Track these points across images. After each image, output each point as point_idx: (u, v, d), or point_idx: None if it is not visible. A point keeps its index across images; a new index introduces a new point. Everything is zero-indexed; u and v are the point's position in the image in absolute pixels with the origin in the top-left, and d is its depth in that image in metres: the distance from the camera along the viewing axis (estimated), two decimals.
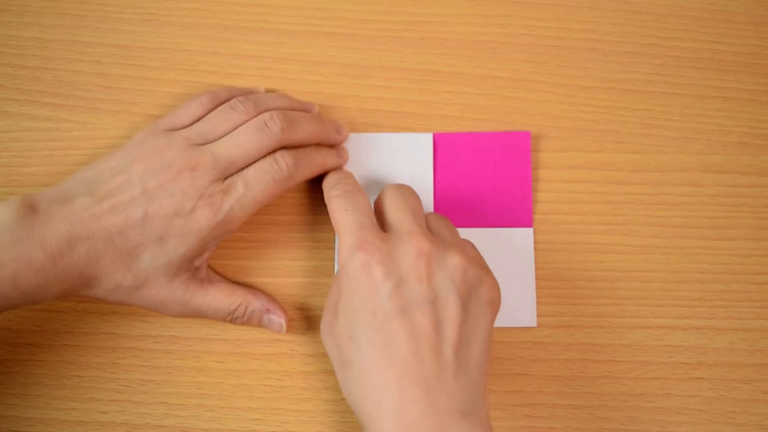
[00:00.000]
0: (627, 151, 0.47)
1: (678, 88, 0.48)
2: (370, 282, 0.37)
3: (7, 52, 0.48)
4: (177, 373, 0.44)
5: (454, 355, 0.35)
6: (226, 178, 0.41)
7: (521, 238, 0.46)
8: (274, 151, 0.42)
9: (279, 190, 0.42)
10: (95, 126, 0.47)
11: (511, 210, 0.46)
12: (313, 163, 0.43)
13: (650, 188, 0.47)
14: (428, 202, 0.46)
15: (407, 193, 0.41)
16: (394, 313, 0.36)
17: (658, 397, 0.44)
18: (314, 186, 0.46)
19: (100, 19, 0.49)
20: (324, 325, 0.39)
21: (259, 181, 0.41)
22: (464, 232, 0.46)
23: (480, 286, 0.37)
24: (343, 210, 0.40)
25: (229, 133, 0.42)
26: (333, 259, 0.46)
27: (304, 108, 0.46)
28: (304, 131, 0.43)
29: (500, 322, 0.45)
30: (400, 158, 0.47)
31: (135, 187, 0.39)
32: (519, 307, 0.45)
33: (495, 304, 0.38)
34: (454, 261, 0.37)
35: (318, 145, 0.45)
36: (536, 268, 0.46)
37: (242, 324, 0.43)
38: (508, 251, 0.46)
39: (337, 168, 0.45)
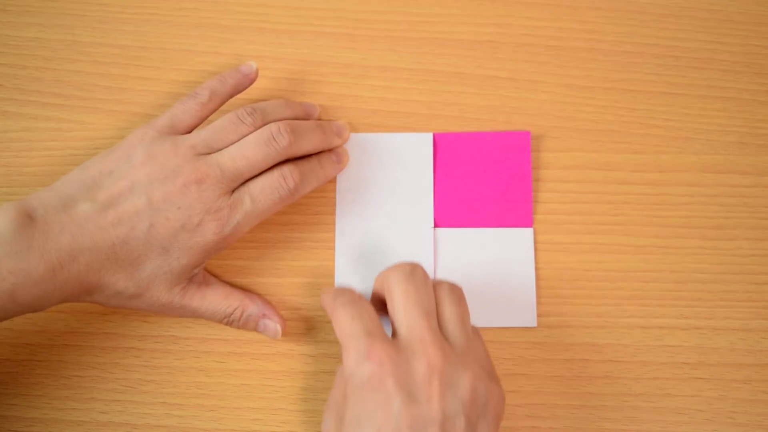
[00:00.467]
0: (627, 151, 0.47)
1: (678, 88, 0.48)
2: (380, 396, 0.35)
3: (7, 52, 0.48)
4: (177, 373, 0.44)
5: None
6: (233, 191, 0.41)
7: (521, 238, 0.46)
8: (279, 163, 0.42)
9: (283, 206, 0.42)
10: (95, 126, 0.47)
11: (511, 210, 0.46)
12: (316, 178, 0.44)
13: (650, 188, 0.47)
14: (428, 202, 0.46)
15: (420, 282, 0.38)
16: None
17: (658, 397, 0.44)
18: None
19: (100, 19, 0.49)
20: (328, 427, 0.37)
21: (266, 197, 0.41)
22: (464, 232, 0.46)
23: (488, 403, 0.36)
24: (350, 318, 0.38)
25: (235, 143, 0.41)
26: (333, 259, 0.46)
27: (307, 111, 0.46)
28: (309, 143, 0.43)
29: (500, 322, 0.45)
30: (400, 158, 0.47)
31: (139, 196, 0.39)
32: (519, 307, 0.45)
33: (500, 416, 0.37)
34: (464, 381, 0.36)
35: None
36: (536, 268, 0.46)
37: (239, 327, 0.43)
38: (508, 251, 0.46)
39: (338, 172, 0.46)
